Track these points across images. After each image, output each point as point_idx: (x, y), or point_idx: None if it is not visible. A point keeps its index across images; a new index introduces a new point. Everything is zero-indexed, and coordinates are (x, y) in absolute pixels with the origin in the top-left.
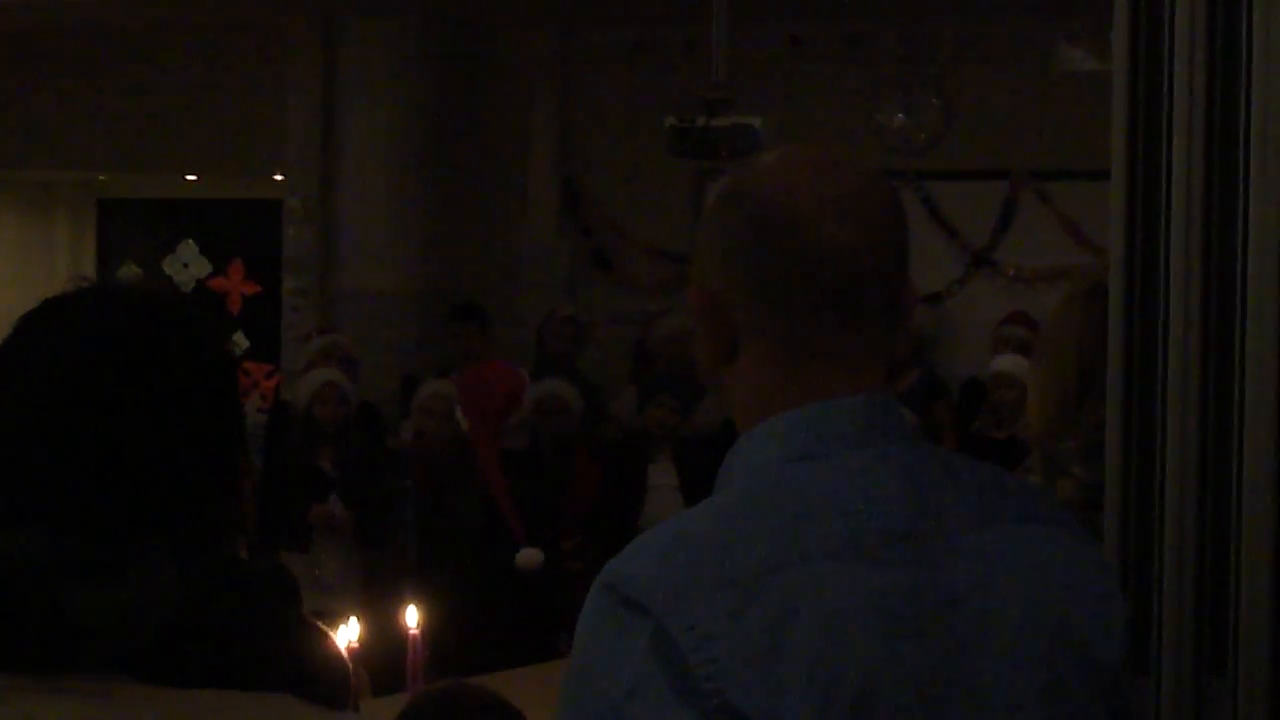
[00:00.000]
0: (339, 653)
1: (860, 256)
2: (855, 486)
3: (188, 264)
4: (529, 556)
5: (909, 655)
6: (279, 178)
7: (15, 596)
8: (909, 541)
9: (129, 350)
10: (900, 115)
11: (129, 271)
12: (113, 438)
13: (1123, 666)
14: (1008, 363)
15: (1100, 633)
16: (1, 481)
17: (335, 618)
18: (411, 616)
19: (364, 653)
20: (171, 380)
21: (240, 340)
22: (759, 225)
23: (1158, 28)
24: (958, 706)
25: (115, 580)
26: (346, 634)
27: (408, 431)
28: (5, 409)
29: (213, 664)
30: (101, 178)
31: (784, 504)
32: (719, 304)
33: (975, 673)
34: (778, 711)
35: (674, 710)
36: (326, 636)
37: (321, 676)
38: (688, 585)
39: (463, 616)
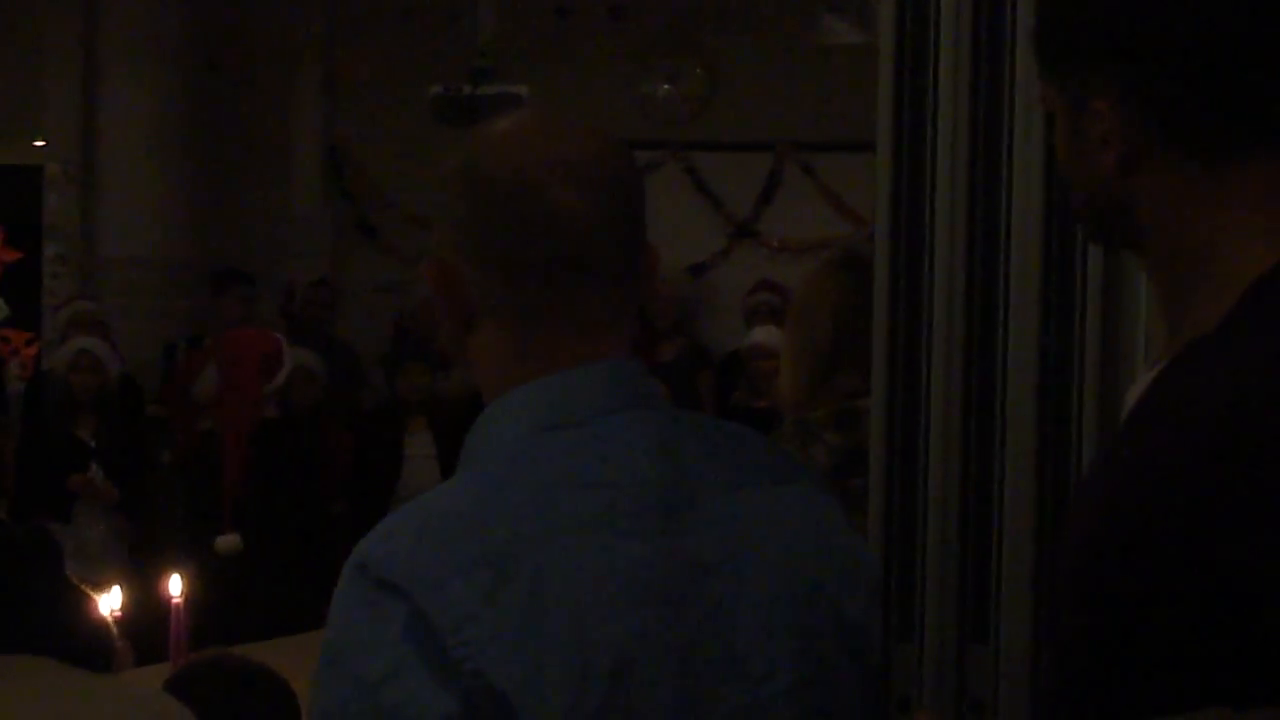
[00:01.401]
0: (101, 616)
1: (591, 220)
2: (604, 456)
3: None
4: (228, 542)
5: (663, 625)
6: (39, 143)
7: None
8: (661, 511)
9: None
10: (665, 85)
11: None
12: None
13: (873, 625)
14: (763, 334)
15: (848, 591)
16: None
17: (99, 587)
18: (175, 585)
19: (127, 621)
20: None
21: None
22: (486, 194)
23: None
24: (714, 673)
25: None
26: (109, 602)
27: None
28: None
29: None
30: None
31: (535, 477)
32: (452, 275)
33: (730, 639)
34: (536, 688)
35: (432, 692)
36: (88, 600)
37: (82, 639)
38: (442, 565)
39: (224, 585)
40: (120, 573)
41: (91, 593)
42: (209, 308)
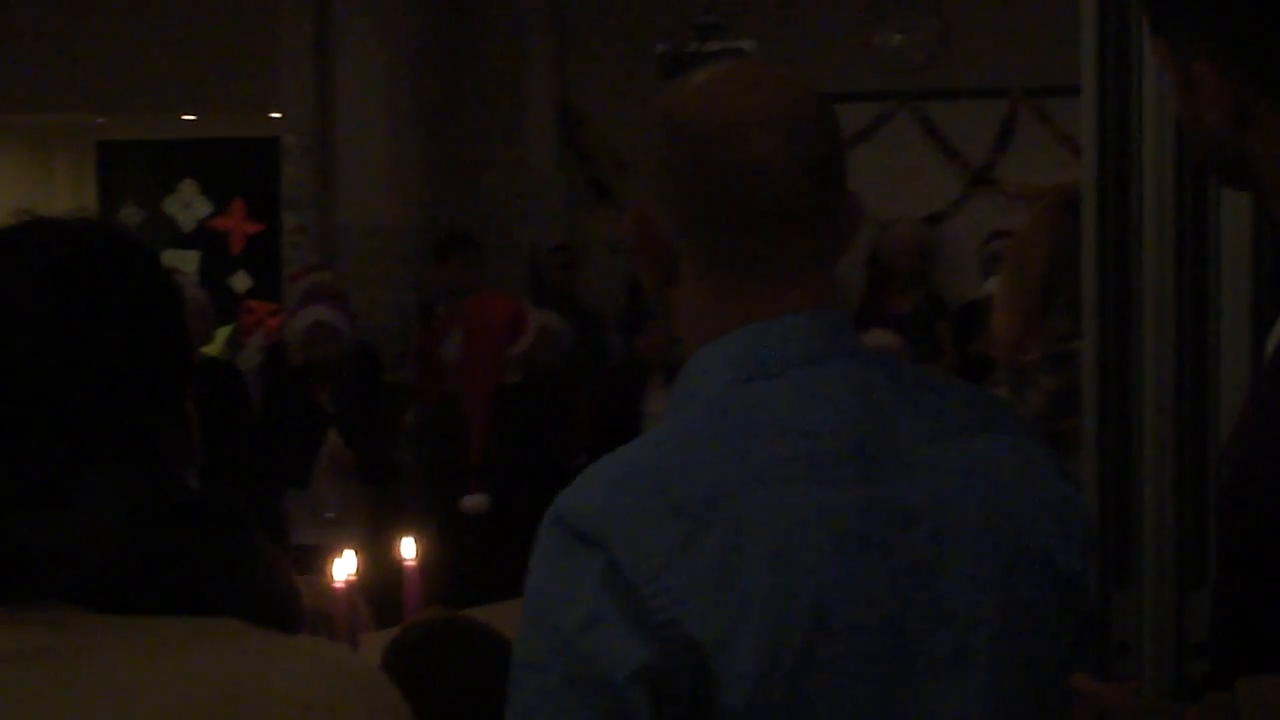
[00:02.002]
0: (290, 578)
1: (789, 167)
2: (805, 405)
3: (189, 204)
4: (475, 501)
5: (864, 574)
6: (276, 115)
7: None
8: (862, 459)
9: (71, 280)
10: (897, 35)
11: (130, 213)
12: (57, 368)
13: (1087, 573)
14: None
15: (1061, 541)
16: None
17: (336, 552)
18: (408, 548)
19: (366, 585)
20: (115, 309)
21: (243, 279)
22: (685, 144)
23: None
24: (917, 624)
25: (62, 509)
26: (344, 567)
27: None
28: None
29: (161, 591)
30: (100, 120)
31: (733, 427)
32: (651, 226)
33: (933, 589)
34: (733, 638)
35: (628, 642)
36: (277, 561)
37: (273, 600)
38: (639, 516)
39: (457, 549)
40: (359, 538)
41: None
42: (433, 274)
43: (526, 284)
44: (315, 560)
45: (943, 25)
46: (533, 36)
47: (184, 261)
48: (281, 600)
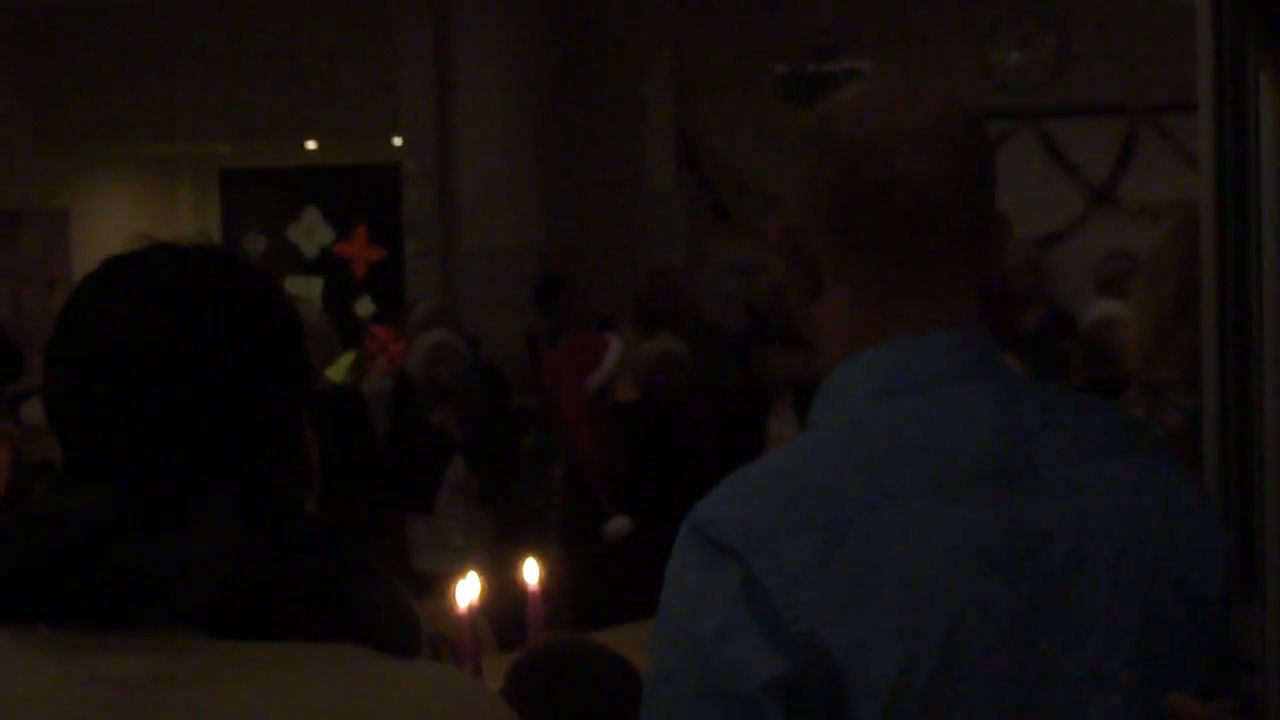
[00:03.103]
0: (408, 602)
1: (939, 184)
2: (944, 423)
3: (312, 231)
4: (617, 526)
5: (1000, 593)
6: (397, 141)
7: (81, 552)
8: (1000, 478)
9: (191, 304)
10: (1015, 53)
11: (253, 240)
12: (176, 392)
13: (1226, 599)
14: (1109, 307)
15: (1198, 565)
16: (67, 438)
17: (459, 576)
18: (531, 572)
19: (488, 609)
20: (234, 333)
21: (367, 305)
22: (834, 159)
23: None
24: (1051, 643)
25: (180, 534)
26: (467, 591)
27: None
28: (70, 365)
29: (278, 616)
30: (223, 149)
31: (871, 442)
32: (798, 240)
33: (1068, 609)
34: (867, 651)
35: (763, 653)
36: (394, 587)
37: (390, 626)
38: (775, 527)
39: (581, 572)
40: (482, 562)
41: (449, 583)
42: (537, 308)
43: (643, 307)
44: (439, 585)
45: (1061, 43)
46: (651, 59)
47: (308, 288)
48: (399, 626)
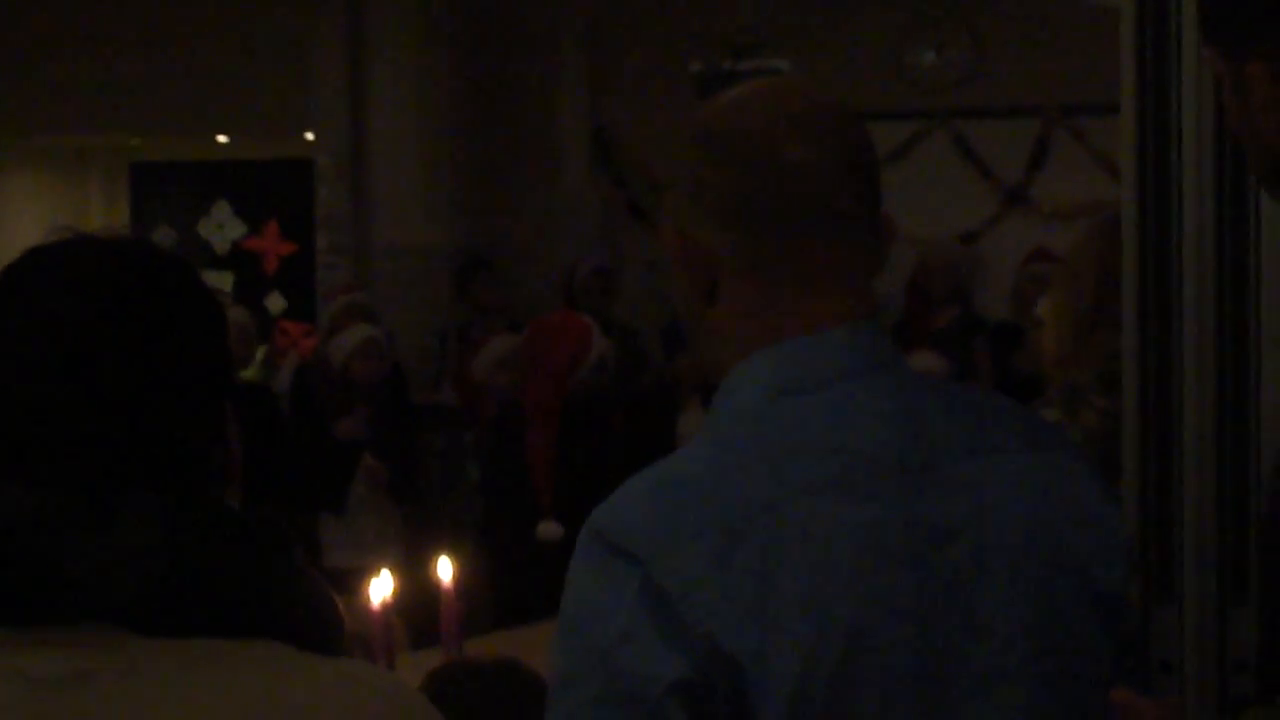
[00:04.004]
0: (332, 599)
1: (824, 169)
2: (843, 421)
3: (223, 225)
4: (549, 531)
5: (902, 591)
6: (310, 136)
7: (2, 551)
8: (900, 476)
9: (112, 298)
10: (930, 54)
11: (164, 234)
12: (97, 387)
13: (1127, 592)
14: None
15: (1100, 559)
16: None
17: (371, 574)
18: (445, 570)
19: (404, 607)
20: (157, 327)
21: (277, 300)
22: (722, 151)
23: None
24: (954, 640)
25: (103, 531)
26: (380, 588)
27: (448, 385)
28: None
29: (202, 613)
30: (134, 141)
31: (770, 442)
32: (693, 243)
33: (970, 606)
34: (769, 652)
35: (664, 656)
36: (318, 583)
37: (314, 623)
38: (675, 530)
39: (503, 571)
40: (394, 560)
41: (362, 580)
42: (457, 298)
43: (560, 305)
44: (350, 582)
45: (976, 44)
46: (566, 57)
47: (218, 283)
48: (323, 623)
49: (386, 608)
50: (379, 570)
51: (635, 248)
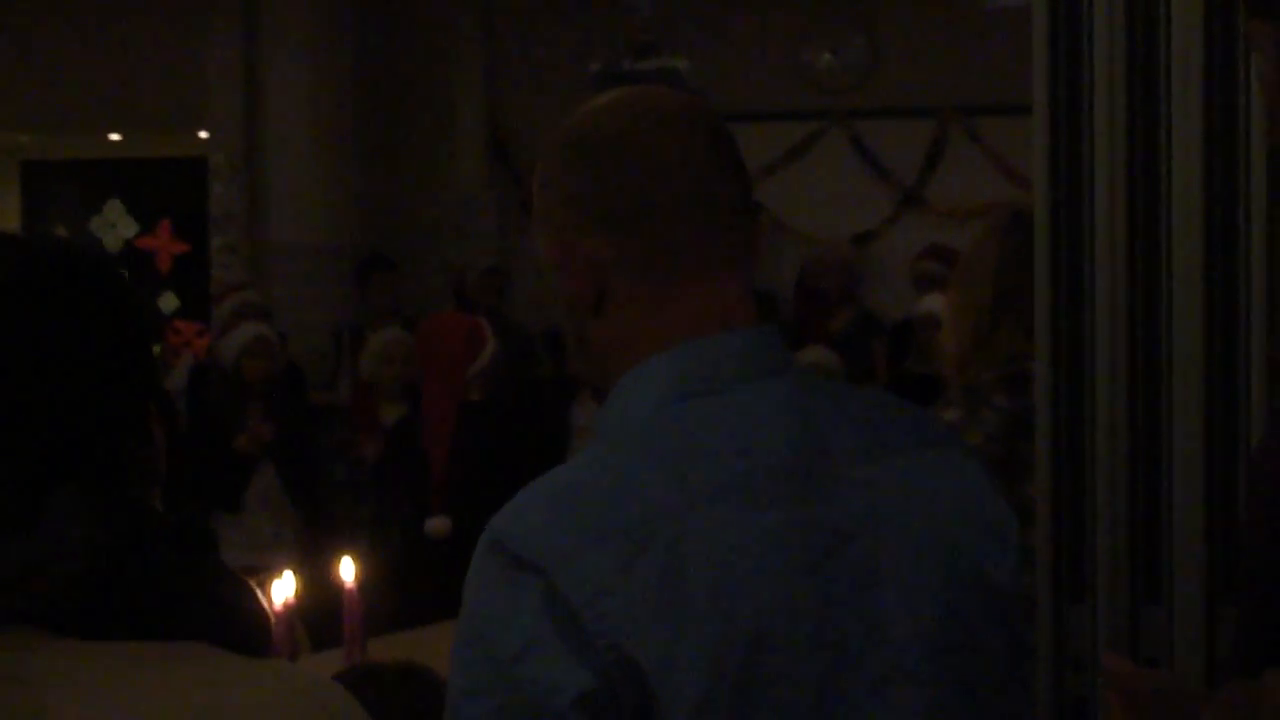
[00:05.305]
0: (259, 601)
1: (700, 168)
2: (740, 425)
3: (115, 224)
4: (436, 525)
5: (802, 594)
6: (204, 134)
7: None
8: (798, 479)
9: (34, 297)
10: (826, 55)
11: (55, 233)
12: (20, 387)
13: (1021, 591)
14: (934, 302)
15: (996, 559)
16: None
17: (270, 574)
18: (347, 570)
19: (304, 608)
20: (80, 327)
21: (171, 300)
22: (594, 155)
23: None
24: (855, 642)
25: (26, 533)
26: (282, 589)
27: (344, 384)
28: None
29: (128, 615)
30: (24, 139)
31: (668, 448)
32: (576, 252)
33: (870, 607)
34: (674, 660)
35: (569, 667)
36: (244, 585)
37: (240, 625)
38: (577, 539)
39: (402, 570)
40: (291, 560)
41: (259, 580)
42: (357, 296)
43: (453, 305)
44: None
45: (872, 45)
46: (463, 58)
47: None
48: (251, 624)
49: (289, 609)
50: (277, 571)
51: (531, 247)
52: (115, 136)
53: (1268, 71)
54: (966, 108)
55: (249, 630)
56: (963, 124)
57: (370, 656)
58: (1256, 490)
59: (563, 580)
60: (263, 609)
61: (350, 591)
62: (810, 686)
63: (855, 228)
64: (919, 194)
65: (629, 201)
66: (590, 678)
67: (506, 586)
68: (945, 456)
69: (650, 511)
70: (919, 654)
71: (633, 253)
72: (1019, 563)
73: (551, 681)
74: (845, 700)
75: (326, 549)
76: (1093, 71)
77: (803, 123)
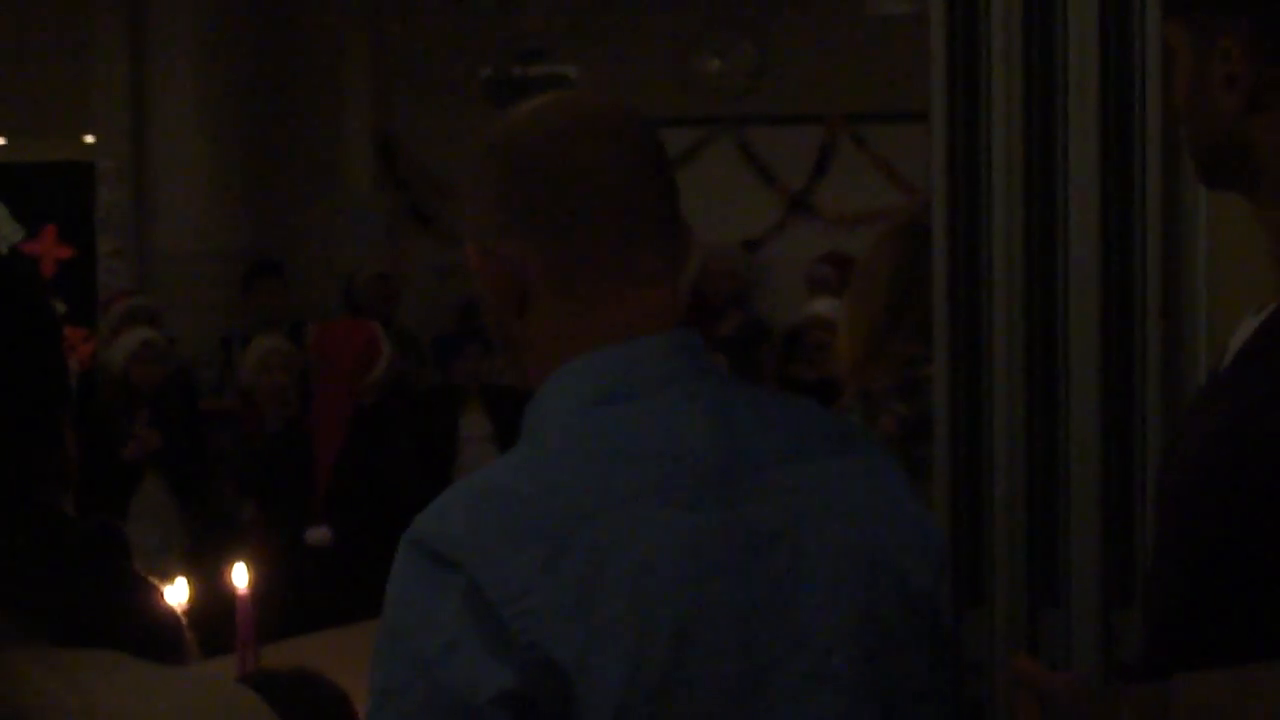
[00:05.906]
0: (171, 608)
1: (625, 174)
2: (662, 428)
3: None
4: (317, 535)
5: (723, 596)
6: (90, 139)
7: None
8: (719, 482)
9: None
10: (715, 61)
11: None
12: None
13: (941, 594)
14: (820, 305)
15: (915, 560)
16: None
17: (161, 580)
18: (240, 576)
19: (194, 614)
20: None
21: (56, 305)
22: (518, 166)
23: None
24: (776, 645)
25: None
26: (175, 594)
27: (232, 391)
28: None
29: (40, 622)
30: None
31: (591, 450)
32: (499, 258)
33: (792, 610)
34: (594, 661)
35: (489, 667)
36: (157, 591)
37: (155, 632)
38: (499, 540)
39: (293, 576)
40: (179, 569)
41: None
42: (242, 302)
43: (345, 311)
44: None
45: (761, 51)
46: (350, 63)
47: None
48: (165, 631)
49: (182, 615)
50: (169, 577)
51: (421, 254)
52: None
53: (1180, 70)
54: (854, 115)
55: (164, 637)
56: (850, 131)
57: (263, 663)
58: (1164, 494)
59: (484, 579)
60: (176, 615)
61: (243, 598)
62: (730, 689)
63: (744, 234)
64: (807, 200)
65: (551, 211)
66: (511, 676)
67: (428, 585)
68: (866, 460)
69: (572, 513)
70: (839, 657)
71: (556, 258)
72: (940, 566)
73: (472, 679)
74: (765, 702)
75: (213, 556)
76: (990, 78)
77: (691, 129)
